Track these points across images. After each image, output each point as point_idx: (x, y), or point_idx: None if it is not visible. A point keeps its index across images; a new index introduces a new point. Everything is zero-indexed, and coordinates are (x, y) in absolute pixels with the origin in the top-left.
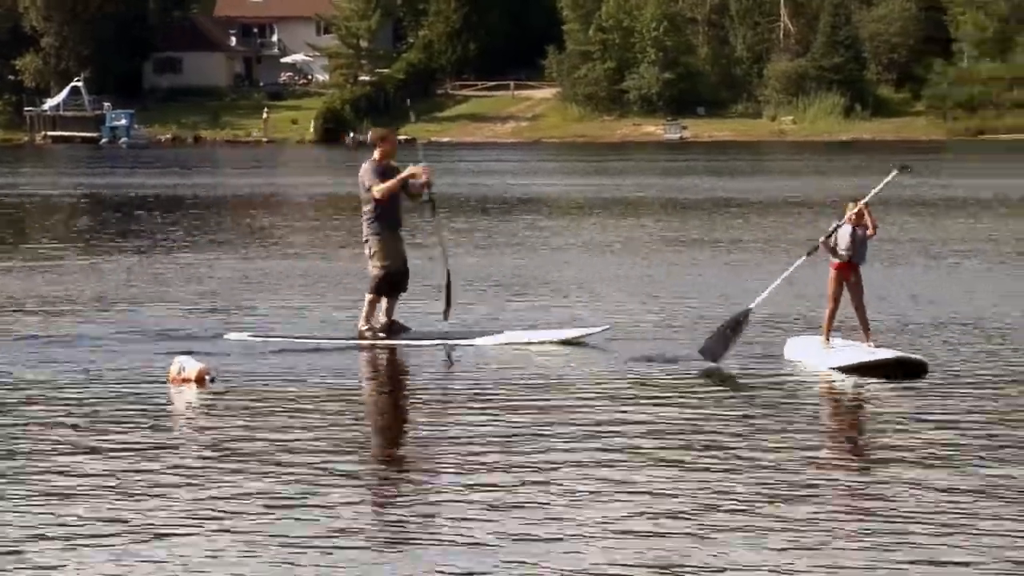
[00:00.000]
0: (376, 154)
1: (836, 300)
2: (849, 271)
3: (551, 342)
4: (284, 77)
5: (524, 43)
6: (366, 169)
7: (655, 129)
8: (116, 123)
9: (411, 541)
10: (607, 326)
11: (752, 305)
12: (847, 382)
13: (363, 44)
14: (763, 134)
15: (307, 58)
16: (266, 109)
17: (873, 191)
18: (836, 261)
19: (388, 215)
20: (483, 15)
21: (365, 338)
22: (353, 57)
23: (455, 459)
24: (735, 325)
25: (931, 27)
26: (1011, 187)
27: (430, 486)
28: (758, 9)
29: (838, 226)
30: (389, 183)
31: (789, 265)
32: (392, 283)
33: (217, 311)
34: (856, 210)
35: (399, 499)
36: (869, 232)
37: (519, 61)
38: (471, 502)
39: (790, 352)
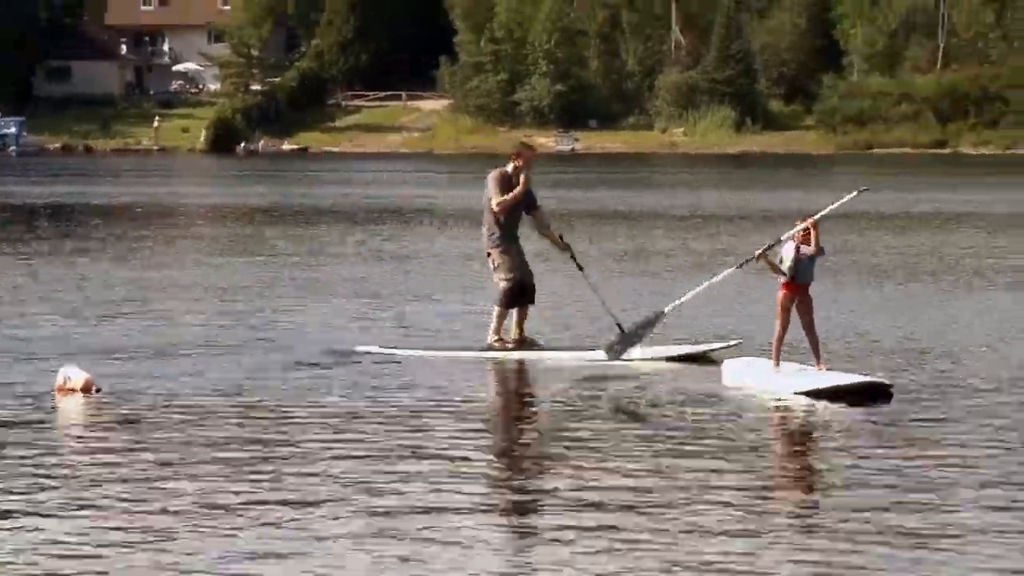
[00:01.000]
0: (508, 167)
1: (785, 322)
2: (797, 291)
3: (678, 357)
4: (175, 85)
5: (416, 54)
6: (491, 179)
7: (547, 141)
8: (5, 131)
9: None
10: (739, 340)
11: (667, 308)
12: (818, 408)
13: (255, 53)
14: (654, 146)
15: (198, 67)
16: (157, 118)
17: (829, 208)
18: (783, 281)
19: (509, 226)
20: (375, 25)
21: (495, 349)
22: (244, 66)
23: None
24: (645, 324)
25: (821, 41)
26: (906, 201)
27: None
28: (650, 22)
29: (778, 242)
30: (509, 197)
31: (712, 274)
32: (519, 294)
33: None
34: (804, 226)
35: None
36: (813, 251)
37: (411, 72)
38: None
39: (731, 378)
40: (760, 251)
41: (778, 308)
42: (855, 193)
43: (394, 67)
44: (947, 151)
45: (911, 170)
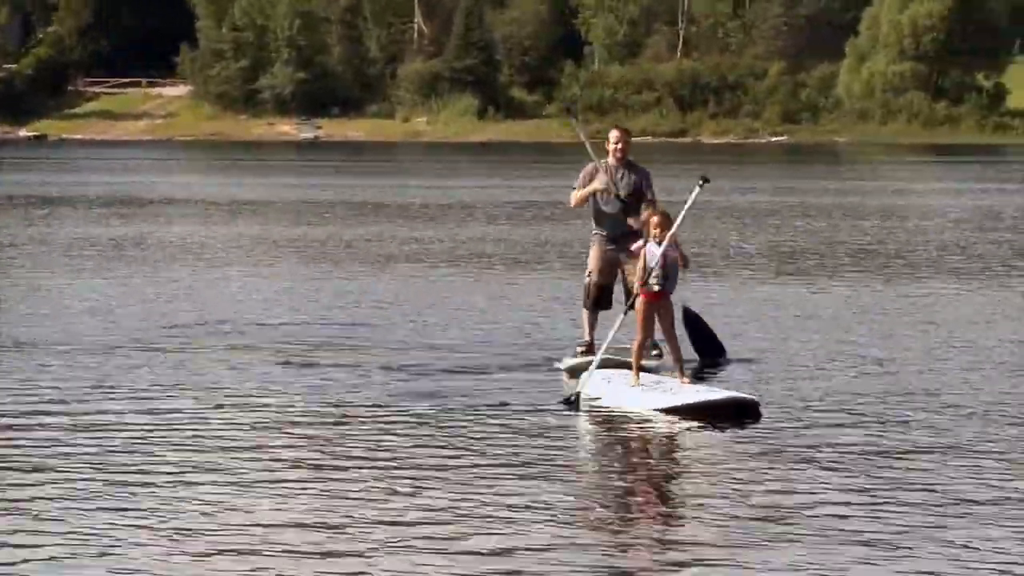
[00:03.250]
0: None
1: (647, 329)
2: (660, 299)
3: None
4: None
5: (157, 40)
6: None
7: (289, 128)
8: None
9: None
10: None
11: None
12: (673, 426)
13: None
14: (397, 135)
15: None
16: None
17: (682, 214)
18: (645, 290)
19: (599, 220)
20: (115, 11)
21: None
22: None
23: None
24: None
25: (563, 30)
26: None
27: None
28: (392, 10)
29: (649, 272)
30: (580, 192)
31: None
32: (599, 296)
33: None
34: (671, 233)
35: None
36: (681, 263)
37: (152, 58)
38: None
39: (590, 387)
40: (640, 284)
41: (639, 317)
42: (697, 188)
43: (136, 53)
44: (688, 140)
45: (655, 158)
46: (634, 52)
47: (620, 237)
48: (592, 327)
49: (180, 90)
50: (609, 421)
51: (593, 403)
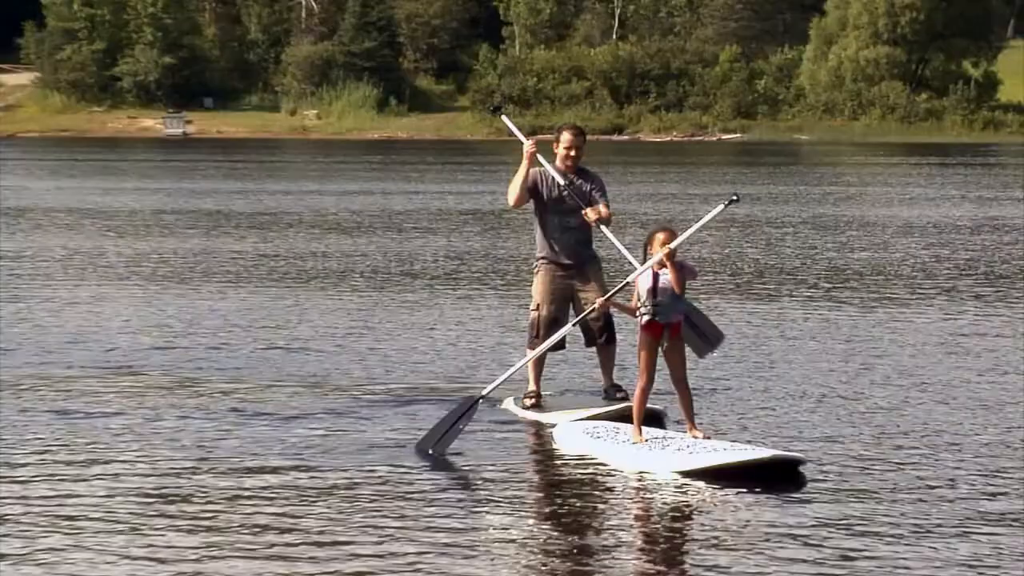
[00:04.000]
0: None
1: (650, 373)
2: (661, 332)
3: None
4: None
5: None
6: None
7: (154, 123)
8: None
9: None
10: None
11: (483, 393)
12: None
13: None
14: (282, 130)
15: None
16: None
17: (689, 230)
18: (643, 321)
19: (549, 242)
20: None
21: (523, 406)
22: None
23: None
24: (462, 416)
25: (478, 9)
26: None
27: None
28: None
29: (625, 285)
30: (513, 181)
31: None
32: (548, 330)
33: None
34: (666, 251)
35: None
36: (675, 287)
37: None
38: None
39: (568, 442)
40: (604, 298)
41: (640, 355)
42: (722, 206)
43: None
44: (625, 137)
45: (586, 160)
46: (562, 35)
47: (577, 264)
48: (539, 372)
49: (23, 77)
50: (596, 481)
51: (583, 459)
